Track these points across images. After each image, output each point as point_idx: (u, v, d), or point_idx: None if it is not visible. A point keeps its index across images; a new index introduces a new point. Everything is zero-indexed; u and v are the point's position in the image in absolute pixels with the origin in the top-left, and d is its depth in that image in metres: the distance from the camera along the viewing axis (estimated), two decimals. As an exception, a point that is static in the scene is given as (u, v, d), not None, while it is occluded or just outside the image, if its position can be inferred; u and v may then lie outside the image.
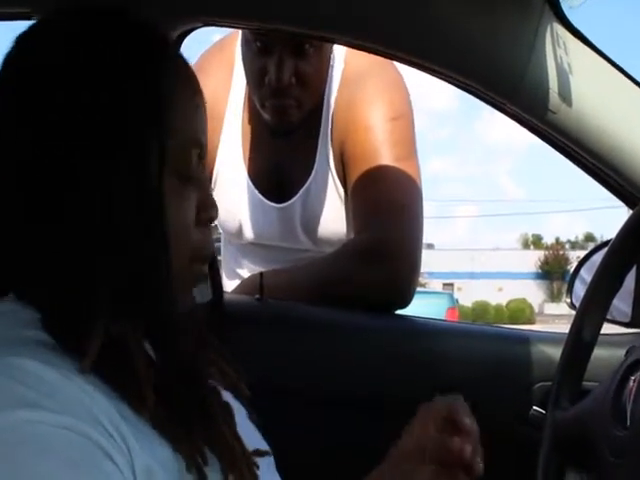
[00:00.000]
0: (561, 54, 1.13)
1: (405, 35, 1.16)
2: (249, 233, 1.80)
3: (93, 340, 0.70)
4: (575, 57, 1.15)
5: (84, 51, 0.76)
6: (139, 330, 0.74)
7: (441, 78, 1.19)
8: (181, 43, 1.28)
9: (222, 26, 1.29)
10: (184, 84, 0.83)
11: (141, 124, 0.75)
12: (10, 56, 0.80)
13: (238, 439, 0.80)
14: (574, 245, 47.96)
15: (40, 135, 0.74)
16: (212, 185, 1.79)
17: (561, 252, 40.60)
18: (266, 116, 1.67)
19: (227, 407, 0.82)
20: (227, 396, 0.87)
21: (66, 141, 0.74)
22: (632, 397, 0.94)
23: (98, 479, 0.63)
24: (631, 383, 0.96)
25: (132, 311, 0.73)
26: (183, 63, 0.84)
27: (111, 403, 0.68)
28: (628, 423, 0.92)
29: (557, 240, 49.67)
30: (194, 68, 0.89)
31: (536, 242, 54.27)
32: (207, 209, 0.85)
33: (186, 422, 0.74)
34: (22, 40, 0.80)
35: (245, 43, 1.63)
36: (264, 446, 0.91)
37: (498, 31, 1.13)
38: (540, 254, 42.58)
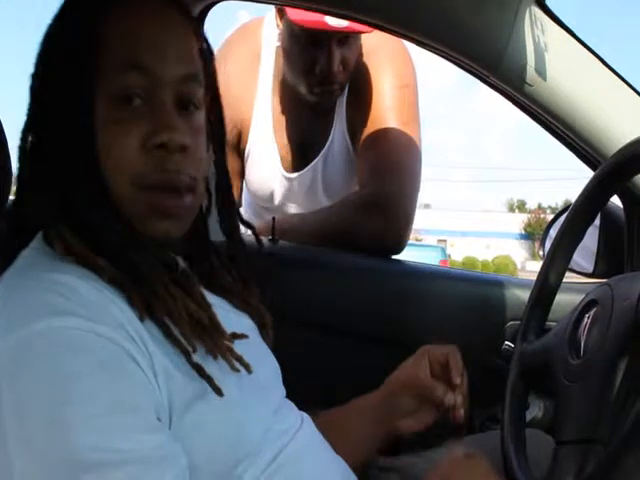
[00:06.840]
0: (538, 34, 1.11)
1: (404, 13, 1.15)
2: (278, 200, 1.80)
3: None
4: (550, 37, 1.14)
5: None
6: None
7: (434, 52, 1.18)
8: (205, 16, 1.26)
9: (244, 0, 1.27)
10: (121, 13, 0.76)
11: (71, 42, 0.74)
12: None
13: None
14: (554, 210, 47.49)
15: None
16: (245, 158, 1.79)
17: (542, 216, 40.30)
18: (313, 99, 1.65)
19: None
20: (247, 320, 0.88)
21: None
22: (586, 331, 0.94)
23: (123, 376, 0.64)
24: (585, 320, 0.96)
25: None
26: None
27: (134, 312, 0.68)
28: (581, 353, 0.93)
29: (539, 205, 49.46)
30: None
31: (520, 206, 53.90)
32: (158, 133, 0.72)
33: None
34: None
35: (292, 36, 1.59)
36: (272, 361, 0.91)
37: (483, 12, 1.12)
38: (524, 217, 42.41)
